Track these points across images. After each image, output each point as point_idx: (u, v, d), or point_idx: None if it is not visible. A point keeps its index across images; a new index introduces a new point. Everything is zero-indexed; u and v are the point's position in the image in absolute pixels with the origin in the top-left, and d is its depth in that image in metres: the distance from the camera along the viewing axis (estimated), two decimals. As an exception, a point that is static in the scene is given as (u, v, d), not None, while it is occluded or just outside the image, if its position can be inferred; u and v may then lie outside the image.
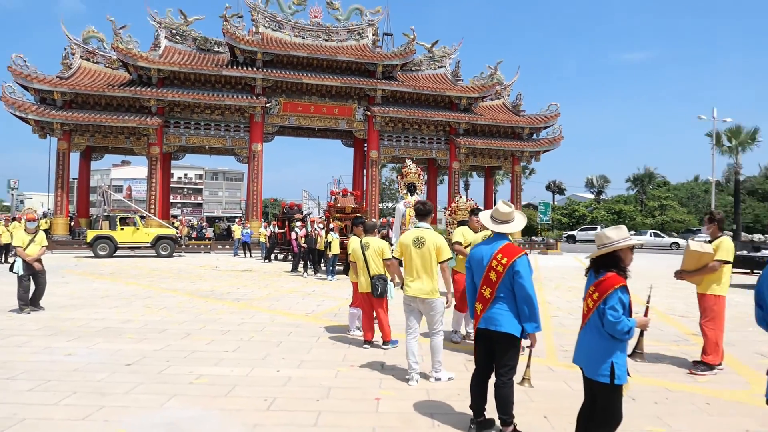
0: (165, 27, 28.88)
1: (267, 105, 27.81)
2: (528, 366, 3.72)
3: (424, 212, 5.21)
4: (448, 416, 4.17)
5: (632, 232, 48.33)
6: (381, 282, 6.23)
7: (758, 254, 14.56)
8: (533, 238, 36.96)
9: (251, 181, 28.81)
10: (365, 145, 31.22)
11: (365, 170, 31.66)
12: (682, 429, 3.97)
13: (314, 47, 29.35)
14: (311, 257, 15.73)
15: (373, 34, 31.26)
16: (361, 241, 6.57)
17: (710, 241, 5.64)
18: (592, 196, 66.78)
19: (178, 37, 29.32)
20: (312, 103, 29.00)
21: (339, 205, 15.70)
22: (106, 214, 23.81)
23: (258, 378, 5.13)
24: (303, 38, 29.94)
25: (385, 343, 6.45)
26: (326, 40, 30.36)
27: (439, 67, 33.19)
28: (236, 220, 34.90)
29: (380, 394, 4.71)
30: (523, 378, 3.67)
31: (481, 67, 37.12)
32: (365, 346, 6.46)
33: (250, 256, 23.54)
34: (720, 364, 5.51)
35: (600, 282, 3.10)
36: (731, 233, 24.42)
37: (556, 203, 60.00)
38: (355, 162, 34.04)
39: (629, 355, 3.34)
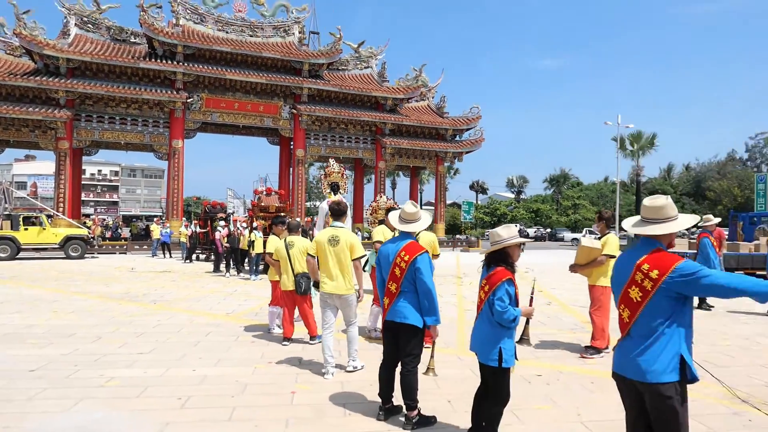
0: (75, 14, 27.14)
1: (188, 100, 26.90)
2: (432, 357, 4.02)
3: (338, 212, 5.41)
4: (359, 405, 4.39)
5: (549, 230, 51.41)
6: (305, 280, 6.37)
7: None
8: (457, 236, 38.28)
9: (171, 178, 27.75)
10: (291, 143, 30.98)
11: (291, 169, 31.42)
12: (565, 405, 4.44)
13: (238, 42, 28.74)
14: (234, 257, 15.50)
15: (300, 32, 31.07)
16: (285, 240, 6.68)
17: (599, 238, 6.27)
18: (512, 196, 69.99)
19: (90, 26, 27.65)
20: (236, 100, 28.38)
21: (263, 204, 15.57)
22: (6, 213, 22.04)
23: (173, 378, 5.11)
24: (227, 33, 29.21)
25: (312, 338, 6.63)
26: (251, 36, 29.80)
27: (365, 68, 33.55)
28: (155, 219, 33.43)
29: (296, 388, 4.86)
30: (428, 368, 3.96)
31: (407, 68, 37.99)
32: (285, 343, 6.57)
33: (170, 256, 22.72)
34: (607, 348, 6.13)
35: (490, 276, 3.43)
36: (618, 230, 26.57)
37: (479, 202, 62.38)
38: (281, 160, 33.68)
39: (517, 341, 3.71)
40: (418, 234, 6.39)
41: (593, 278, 6.18)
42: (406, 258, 3.85)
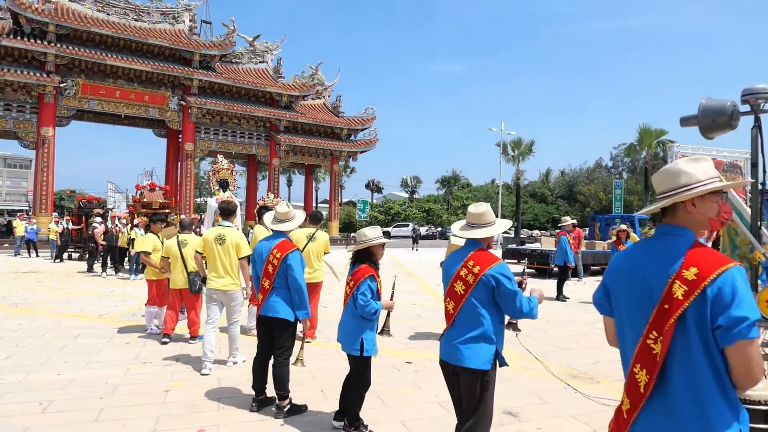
0: None
1: (61, 85, 24.66)
2: (301, 348, 4.27)
3: (227, 212, 5.59)
4: (234, 399, 4.53)
5: (440, 229, 53.84)
6: (199, 278, 6.35)
7: (522, 247, 17.64)
8: (352, 234, 38.83)
9: (40, 170, 25.25)
10: (180, 136, 29.57)
11: (180, 163, 30.00)
12: (428, 389, 4.91)
13: (121, 26, 26.85)
14: (111, 255, 14.59)
15: (191, 20, 29.75)
16: (178, 238, 6.63)
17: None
18: (406, 195, 72.26)
19: (-62, -7, 24.34)
20: (118, 88, 26.51)
21: (145, 199, 14.82)
22: None
23: (34, 383, 4.87)
24: (107, 14, 27.17)
25: (192, 338, 6.61)
26: (136, 20, 27.99)
27: (260, 62, 32.91)
28: (18, 214, 30.13)
29: (170, 386, 4.86)
30: (297, 359, 4.20)
31: (304, 66, 37.70)
32: (165, 340, 6.50)
33: (37, 255, 20.67)
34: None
35: (355, 272, 3.76)
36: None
37: (374, 201, 63.68)
38: (168, 154, 32.00)
39: (379, 333, 4.07)
40: (314, 233, 6.66)
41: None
42: (278, 255, 4.07)
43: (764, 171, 2.47)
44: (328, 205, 36.22)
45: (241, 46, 32.19)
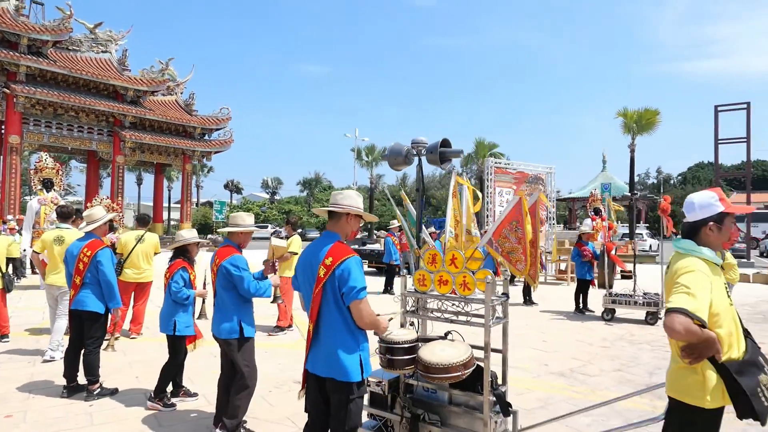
0: None
1: None
2: (112, 334, 4.79)
3: (65, 215, 6.13)
4: (45, 389, 4.88)
5: (300, 230, 54.34)
6: (8, 277, 6.78)
7: (363, 247, 19.18)
8: (210, 235, 37.80)
9: None
10: (3, 128, 26.51)
11: (2, 158, 26.87)
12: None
13: (-74, -2, 23.41)
14: None
15: (17, 0, 26.81)
16: None
17: (287, 238, 7.79)
18: (267, 196, 71.57)
19: None
20: None
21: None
22: None
23: None
24: None
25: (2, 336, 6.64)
26: (-54, -7, 24.56)
27: (103, 52, 30.68)
28: None
29: (-22, 383, 5.03)
30: (108, 344, 4.73)
31: (152, 60, 35.57)
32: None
33: None
34: (290, 326, 7.69)
35: (171, 265, 4.44)
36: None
37: (233, 202, 62.18)
38: (-12, 146, 28.42)
39: (197, 318, 4.77)
40: (143, 235, 7.06)
41: (281, 270, 7.66)
42: (88, 253, 4.58)
43: (422, 194, 3.70)
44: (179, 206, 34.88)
45: (81, 32, 29.75)
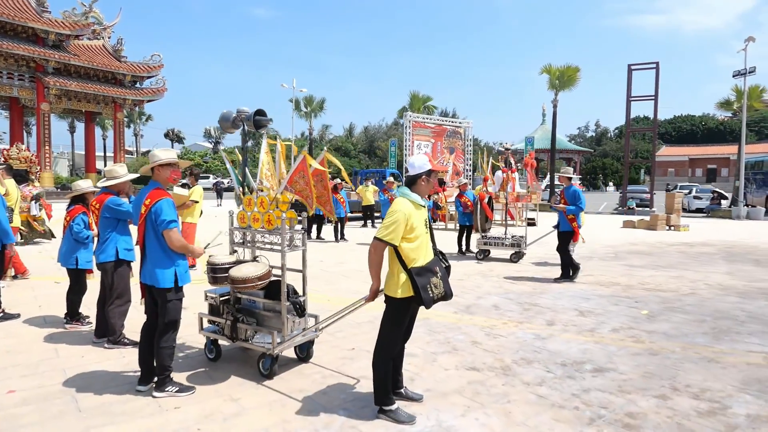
0: None
1: None
2: (9, 267, 5.60)
3: None
4: (-46, 317, 5.67)
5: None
6: None
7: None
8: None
9: None
10: None
11: None
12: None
13: None
14: None
15: None
16: None
17: (189, 187, 8.60)
18: (210, 146, 70.20)
19: None
20: None
21: None
22: None
23: None
24: None
25: None
26: None
27: (20, -8, 29.04)
28: None
29: None
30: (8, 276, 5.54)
31: (75, 2, 33.56)
32: None
33: None
34: (194, 266, 8.62)
35: (71, 210, 5.26)
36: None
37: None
38: None
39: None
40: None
41: (183, 216, 8.50)
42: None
43: (245, 153, 4.65)
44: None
45: (-7, -31, 27.94)
